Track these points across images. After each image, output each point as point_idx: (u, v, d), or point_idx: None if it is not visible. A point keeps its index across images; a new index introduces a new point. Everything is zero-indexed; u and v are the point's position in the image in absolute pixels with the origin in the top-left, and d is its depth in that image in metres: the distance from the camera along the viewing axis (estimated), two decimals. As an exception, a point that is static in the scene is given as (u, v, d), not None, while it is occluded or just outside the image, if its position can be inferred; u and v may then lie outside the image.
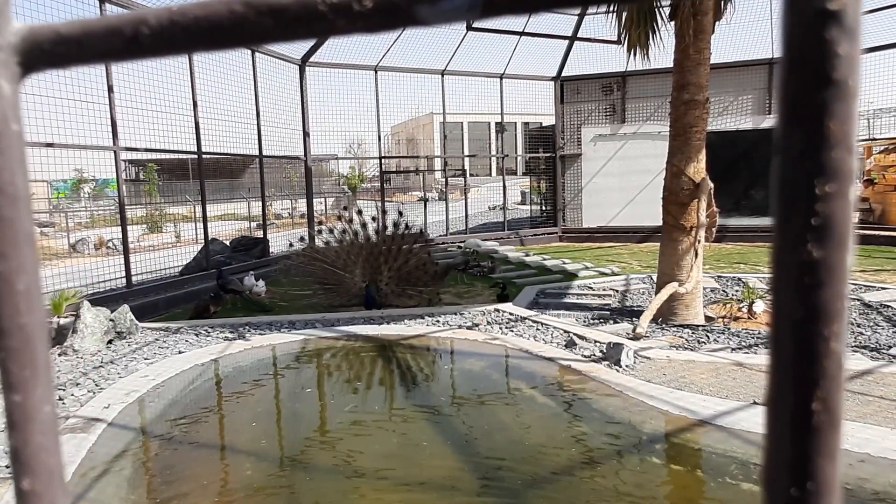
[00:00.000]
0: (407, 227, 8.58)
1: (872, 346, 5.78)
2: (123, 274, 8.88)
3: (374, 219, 8.51)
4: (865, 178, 14.52)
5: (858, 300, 7.59)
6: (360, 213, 8.65)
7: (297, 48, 12.62)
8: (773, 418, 0.25)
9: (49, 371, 0.29)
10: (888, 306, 7.16)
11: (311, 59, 12.95)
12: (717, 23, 6.98)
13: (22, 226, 0.28)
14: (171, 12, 0.28)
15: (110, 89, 8.68)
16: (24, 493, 0.27)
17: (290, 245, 9.38)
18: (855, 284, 8.44)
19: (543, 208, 16.70)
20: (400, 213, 8.61)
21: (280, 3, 0.27)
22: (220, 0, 0.27)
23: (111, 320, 6.53)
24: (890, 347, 5.69)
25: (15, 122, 0.28)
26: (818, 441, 0.23)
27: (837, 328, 0.23)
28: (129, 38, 0.28)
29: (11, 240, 0.28)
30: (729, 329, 6.50)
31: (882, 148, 14.80)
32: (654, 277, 7.82)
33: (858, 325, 6.55)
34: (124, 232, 8.98)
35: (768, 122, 14.02)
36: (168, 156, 12.84)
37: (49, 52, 0.29)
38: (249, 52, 11.57)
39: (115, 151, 8.73)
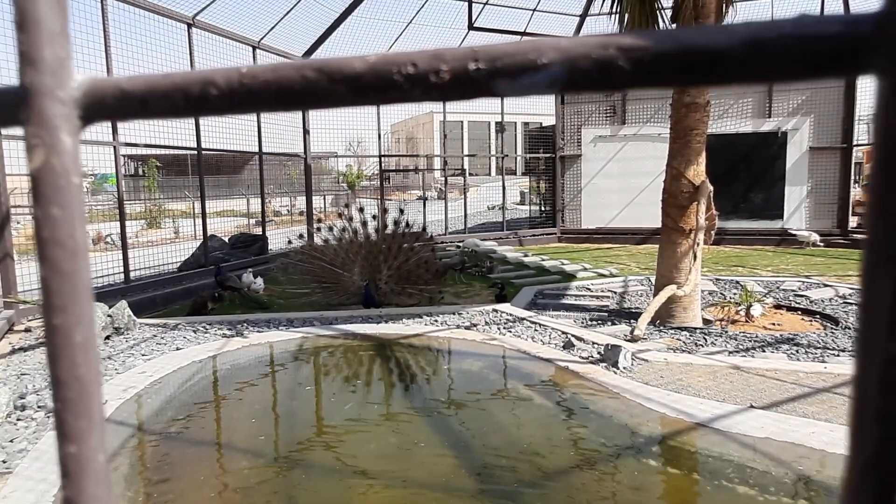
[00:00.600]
0: (408, 225, 8.57)
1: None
2: (121, 269, 8.86)
3: (374, 217, 8.49)
4: (865, 182, 14.53)
5: (855, 305, 7.61)
6: (361, 210, 8.62)
7: (299, 46, 12.61)
8: (858, 423, 0.24)
9: (103, 420, 0.29)
10: None
11: (313, 57, 12.92)
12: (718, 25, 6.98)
13: (81, 279, 0.28)
14: (241, 74, 0.28)
15: (110, 84, 8.66)
16: None
17: (290, 242, 9.34)
18: (852, 289, 8.46)
19: (542, 209, 16.71)
20: (401, 211, 8.59)
21: (354, 71, 0.26)
22: (292, 65, 0.27)
23: (109, 316, 6.52)
24: (887, 352, 5.70)
25: (75, 176, 0.28)
26: None
27: None
28: (195, 99, 0.28)
29: (70, 293, 0.28)
30: (726, 332, 6.51)
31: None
32: (653, 279, 7.83)
33: (856, 330, 6.56)
34: (123, 227, 8.97)
35: (768, 125, 14.04)
36: (167, 151, 12.82)
37: (111, 107, 0.29)
38: (251, 48, 11.55)
39: (114, 147, 8.71)
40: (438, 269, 8.73)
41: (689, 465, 3.88)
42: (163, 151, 13.56)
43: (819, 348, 5.84)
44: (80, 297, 0.28)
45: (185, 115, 0.29)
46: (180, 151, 11.76)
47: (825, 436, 3.79)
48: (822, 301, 7.92)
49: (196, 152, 10.48)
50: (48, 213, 0.28)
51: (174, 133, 10.09)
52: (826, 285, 8.82)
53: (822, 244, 13.04)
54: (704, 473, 3.70)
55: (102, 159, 8.96)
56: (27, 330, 6.82)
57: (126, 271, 8.85)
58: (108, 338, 6.40)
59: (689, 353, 5.75)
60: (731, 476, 3.53)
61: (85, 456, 0.28)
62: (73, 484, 0.28)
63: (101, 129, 8.56)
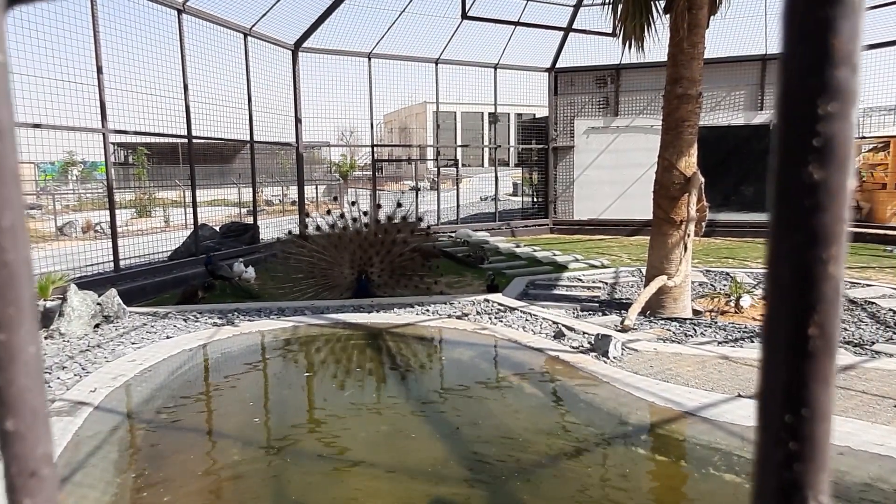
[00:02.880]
0: (404, 219, 8.42)
1: (856, 341, 5.86)
2: (111, 258, 8.81)
3: (365, 213, 8.32)
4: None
5: (844, 297, 7.68)
6: (353, 204, 8.47)
7: (291, 33, 12.51)
8: (768, 343, 0.24)
9: (34, 310, 0.28)
10: (872, 303, 7.25)
11: (305, 45, 12.83)
12: (711, 17, 6.99)
13: (6, 160, 0.27)
14: None
15: (99, 70, 8.56)
16: (8, 434, 0.26)
17: (278, 240, 9.12)
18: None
19: (535, 200, 16.72)
20: (399, 205, 8.45)
21: None
22: None
23: (98, 304, 6.48)
24: (873, 343, 5.77)
25: (0, 53, 0.27)
26: (813, 366, 0.23)
27: (836, 252, 0.23)
28: None
29: None
30: (716, 323, 6.56)
31: (871, 147, 14.93)
32: (644, 270, 7.87)
33: (843, 321, 6.64)
34: (112, 216, 8.90)
35: (760, 117, 14.09)
36: (158, 139, 12.71)
37: None
38: (242, 35, 11.44)
39: (103, 134, 8.62)
40: (430, 252, 8.56)
41: (677, 453, 3.91)
42: (153, 140, 13.45)
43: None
44: (5, 179, 0.27)
45: None
46: (171, 140, 11.67)
47: (811, 424, 3.83)
48: (811, 292, 7.98)
49: (187, 140, 10.40)
50: None
51: (165, 121, 10.00)
52: (815, 277, 8.88)
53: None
54: (692, 461, 3.74)
55: (91, 147, 8.88)
56: None
57: (116, 260, 8.80)
58: (97, 326, 6.37)
59: (679, 343, 5.80)
60: (718, 464, 3.57)
61: (15, 345, 0.27)
62: (2, 373, 0.27)
63: (90, 117, 8.47)
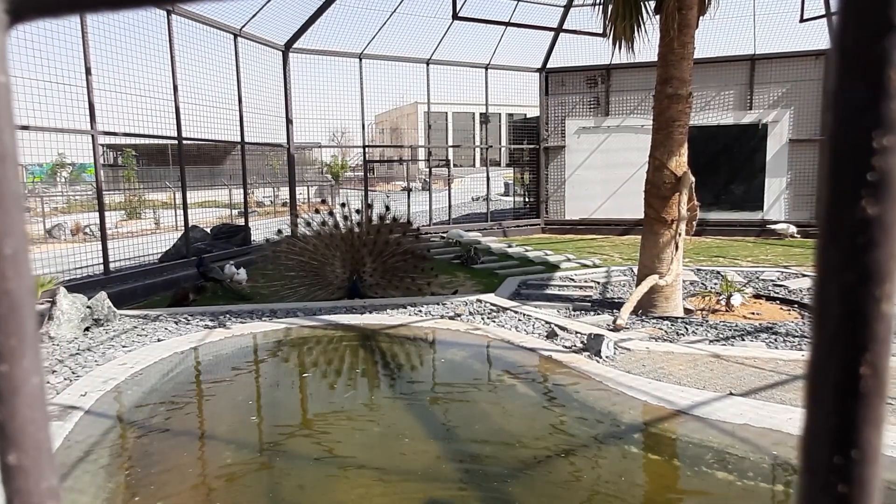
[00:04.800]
0: (394, 220, 8.43)
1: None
2: (101, 260, 8.74)
3: (357, 212, 8.33)
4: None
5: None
6: (343, 205, 8.46)
7: (282, 33, 12.47)
8: (815, 383, 0.24)
9: (37, 340, 0.27)
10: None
11: (295, 45, 12.79)
12: (701, 18, 7.03)
13: (8, 185, 0.26)
14: None
15: (88, 71, 8.50)
16: (11, 469, 0.25)
17: (267, 241, 9.09)
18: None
19: (526, 200, 16.75)
20: (387, 208, 8.45)
21: None
22: None
23: (88, 307, 6.43)
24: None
25: (2, 74, 0.26)
26: (865, 407, 0.23)
27: (890, 290, 0.22)
28: None
29: None
30: (707, 321, 6.60)
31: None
32: (635, 270, 7.90)
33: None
34: (102, 218, 8.83)
35: (749, 117, 14.18)
36: (148, 141, 12.62)
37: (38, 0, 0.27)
38: (232, 36, 11.39)
39: (92, 135, 8.56)
40: (423, 254, 8.59)
41: (669, 451, 3.93)
42: (143, 141, 13.35)
43: (797, 337, 5.95)
44: (8, 205, 0.26)
45: (114, 7, 0.28)
46: (161, 141, 11.59)
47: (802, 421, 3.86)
48: (801, 291, 8.05)
49: (177, 142, 10.34)
50: None
51: (155, 122, 9.94)
52: (804, 275, 8.97)
53: (798, 235, 13.27)
54: (685, 459, 3.76)
55: (80, 148, 8.81)
56: None
57: (106, 262, 8.73)
58: (87, 329, 6.32)
59: (671, 341, 5.82)
60: (710, 462, 3.59)
61: (17, 376, 0.26)
62: (5, 406, 0.26)
63: (78, 118, 8.41)
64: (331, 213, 8.34)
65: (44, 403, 0.27)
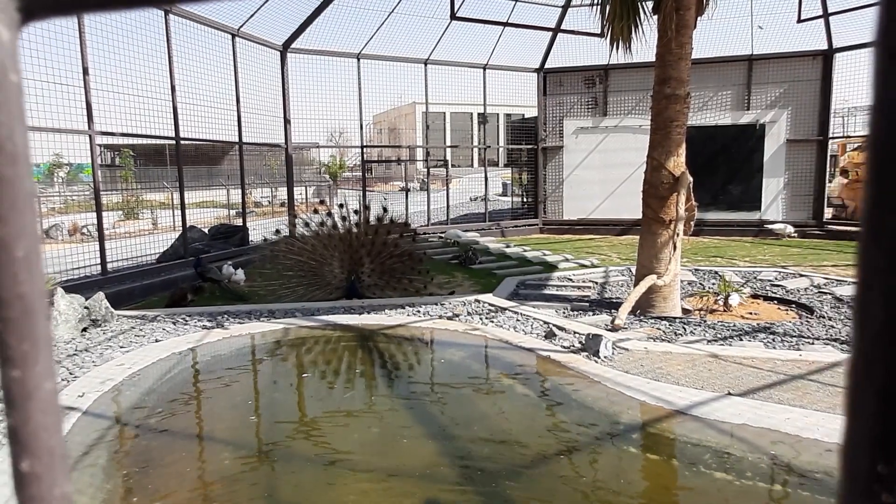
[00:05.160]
0: (392, 221, 8.45)
1: (843, 339, 5.93)
2: (98, 261, 8.72)
3: (356, 212, 8.35)
4: (843, 169, 14.84)
5: (830, 294, 7.77)
6: (341, 206, 8.48)
7: (280, 33, 12.45)
8: (856, 390, 0.24)
9: (50, 345, 0.27)
10: (859, 300, 7.32)
11: (293, 46, 12.78)
12: (698, 18, 7.04)
13: (22, 187, 0.26)
14: None
15: (86, 71, 8.48)
16: (24, 475, 0.25)
17: (265, 240, 9.10)
18: (827, 279, 8.62)
19: (524, 200, 16.76)
20: (384, 210, 8.47)
21: None
22: None
23: (86, 308, 6.41)
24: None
25: (14, 73, 0.26)
26: None
27: None
28: None
29: (10, 202, 0.26)
30: (705, 321, 6.61)
31: (856, 146, 15.11)
32: (633, 270, 7.91)
33: (830, 318, 6.71)
34: (99, 218, 8.81)
35: (747, 117, 14.21)
36: (145, 141, 12.60)
37: None
38: (230, 36, 11.38)
39: (90, 136, 8.54)
40: (420, 257, 8.63)
41: (668, 451, 3.94)
42: (141, 141, 13.34)
43: (795, 337, 5.96)
44: (21, 207, 0.26)
45: (125, 6, 0.28)
46: (158, 141, 11.57)
47: (800, 421, 3.88)
48: (798, 291, 8.07)
49: (174, 142, 10.32)
50: None
51: (152, 122, 9.92)
52: (801, 275, 8.99)
53: (795, 235, 13.30)
54: (683, 460, 3.76)
55: (78, 148, 8.79)
56: None
57: (103, 263, 8.71)
58: (85, 330, 6.31)
59: (669, 342, 5.83)
60: (708, 462, 3.59)
61: (30, 382, 0.26)
62: (17, 411, 0.26)
63: (76, 118, 8.39)
64: (329, 214, 8.36)
65: (57, 409, 0.26)
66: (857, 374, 0.24)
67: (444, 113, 35.75)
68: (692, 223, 7.18)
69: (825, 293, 7.83)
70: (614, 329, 6.16)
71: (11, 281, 0.26)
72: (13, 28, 0.26)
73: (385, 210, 8.45)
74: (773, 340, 5.81)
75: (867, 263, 0.23)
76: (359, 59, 13.79)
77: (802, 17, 12.95)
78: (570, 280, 9.19)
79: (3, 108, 0.26)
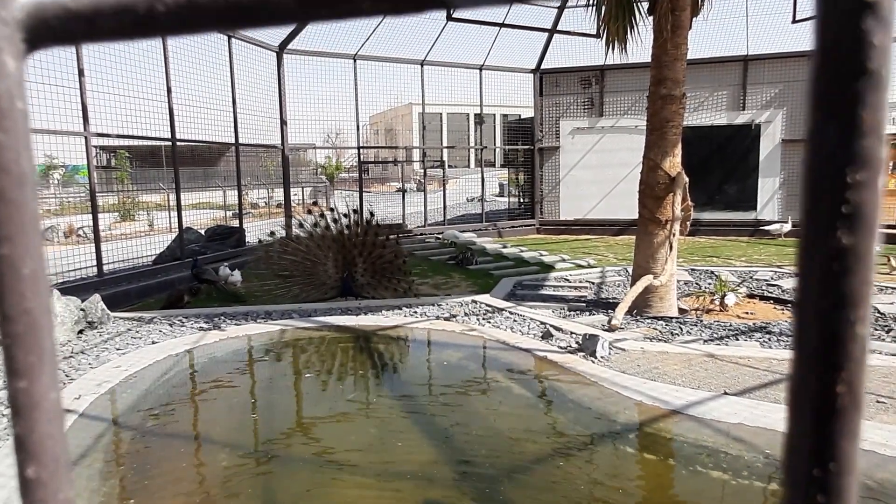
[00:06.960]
0: (377, 224, 8.61)
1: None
2: (94, 263, 8.70)
3: (345, 215, 8.46)
4: None
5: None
6: (332, 210, 8.62)
7: (275, 35, 12.44)
8: (795, 401, 0.25)
9: (55, 357, 0.28)
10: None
11: (290, 47, 12.77)
12: (694, 19, 7.06)
13: (28, 208, 0.27)
14: None
15: (81, 73, 8.46)
16: (30, 481, 0.26)
17: (260, 242, 9.17)
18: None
19: (521, 200, 16.77)
20: (372, 214, 8.60)
21: None
22: None
23: (82, 310, 6.40)
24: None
25: (20, 101, 0.27)
26: (841, 422, 0.24)
27: (863, 313, 0.24)
28: (141, 16, 0.27)
29: (17, 222, 0.27)
30: (701, 321, 6.62)
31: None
32: (630, 270, 7.92)
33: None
34: (95, 220, 8.79)
35: (742, 117, 14.25)
36: (141, 142, 12.57)
37: (56, 28, 0.27)
38: (226, 37, 11.36)
39: (85, 137, 8.52)
40: (403, 257, 8.72)
41: (664, 451, 3.95)
42: (137, 142, 13.31)
43: (791, 336, 5.98)
44: (27, 227, 0.27)
45: (132, 36, 0.28)
46: (154, 143, 11.55)
47: (796, 421, 3.89)
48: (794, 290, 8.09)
49: (170, 143, 10.30)
50: None
51: (148, 123, 9.90)
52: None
53: (791, 235, 13.34)
54: (680, 459, 3.78)
55: (74, 150, 8.76)
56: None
57: (99, 264, 8.69)
58: (81, 332, 6.29)
59: (665, 341, 5.85)
60: (705, 461, 3.61)
61: (36, 392, 0.27)
62: (24, 421, 0.27)
63: (71, 120, 8.36)
64: (322, 215, 8.44)
65: (61, 418, 0.27)
66: (796, 388, 0.26)
67: (441, 114, 35.74)
68: (688, 223, 7.20)
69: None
70: (611, 329, 6.17)
71: (18, 298, 0.27)
72: (19, 58, 0.27)
73: (372, 214, 8.56)
74: (769, 340, 5.83)
75: (803, 288, 0.25)
76: (355, 60, 13.78)
77: (797, 18, 13.00)
78: (567, 280, 9.20)
79: (11, 134, 0.27)
